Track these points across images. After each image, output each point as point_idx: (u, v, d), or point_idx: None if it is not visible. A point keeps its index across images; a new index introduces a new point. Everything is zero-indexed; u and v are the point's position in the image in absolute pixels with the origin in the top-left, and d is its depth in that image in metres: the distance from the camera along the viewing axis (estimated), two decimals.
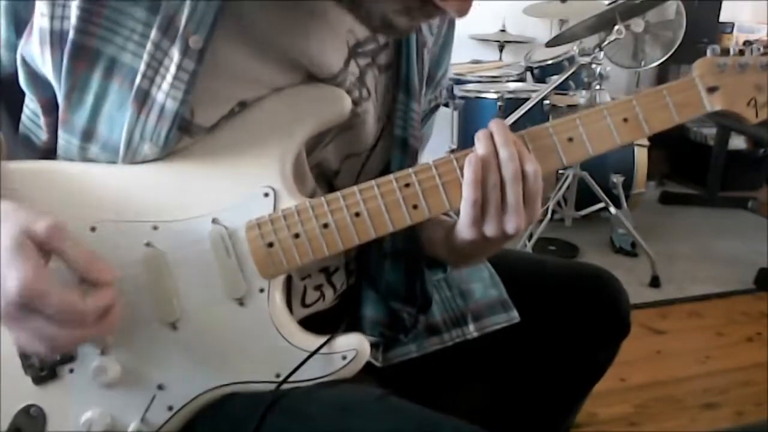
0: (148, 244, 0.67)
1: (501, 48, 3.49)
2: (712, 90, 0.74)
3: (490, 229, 0.68)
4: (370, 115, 0.78)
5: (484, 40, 3.46)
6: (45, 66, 0.67)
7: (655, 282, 2.42)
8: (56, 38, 0.65)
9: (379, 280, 0.84)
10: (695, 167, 3.54)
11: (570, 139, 0.71)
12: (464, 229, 0.70)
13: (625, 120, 0.71)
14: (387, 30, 0.67)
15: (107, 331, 0.61)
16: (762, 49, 0.76)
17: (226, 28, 0.65)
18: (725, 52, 0.76)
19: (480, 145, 0.68)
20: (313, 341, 0.69)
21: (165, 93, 0.64)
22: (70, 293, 0.56)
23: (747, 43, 0.81)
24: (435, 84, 0.89)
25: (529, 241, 2.49)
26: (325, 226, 0.67)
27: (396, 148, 0.79)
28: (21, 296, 0.54)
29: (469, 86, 2.81)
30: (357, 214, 0.68)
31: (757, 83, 0.75)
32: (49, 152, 0.71)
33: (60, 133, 0.69)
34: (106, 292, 0.59)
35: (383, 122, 0.81)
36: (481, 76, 2.99)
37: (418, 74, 0.79)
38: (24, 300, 0.54)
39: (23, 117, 0.72)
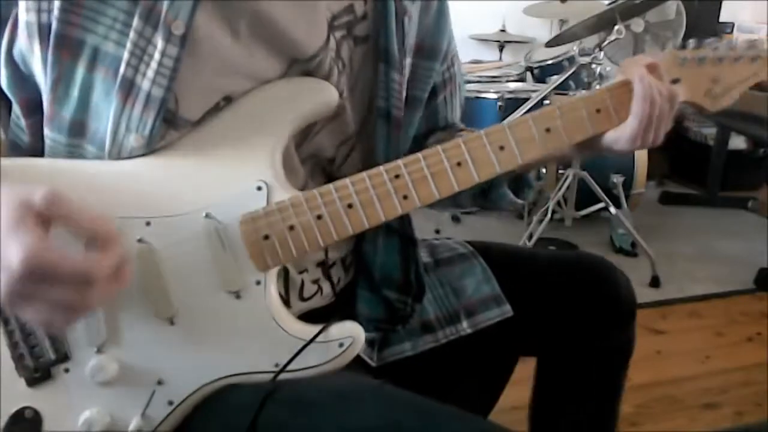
0: (141, 240, 0.67)
1: (501, 48, 3.50)
2: (674, 82, 0.81)
3: (644, 143, 0.78)
4: (345, 88, 0.77)
5: (484, 40, 3.46)
6: (34, 59, 0.67)
7: (655, 282, 2.41)
8: (45, 31, 0.65)
9: (373, 262, 0.83)
10: (695, 167, 3.53)
11: (548, 130, 0.75)
12: (625, 144, 0.78)
13: (598, 111, 0.77)
14: None
15: (122, 287, 0.59)
16: (716, 45, 0.82)
17: (207, 12, 0.66)
18: (682, 46, 0.82)
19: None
20: (309, 330, 0.69)
21: (150, 80, 0.64)
22: (79, 256, 0.55)
23: None
24: (443, 54, 0.88)
25: (529, 241, 2.48)
26: (319, 217, 0.68)
27: (380, 120, 0.79)
28: (27, 267, 0.52)
29: (469, 86, 2.80)
30: (350, 206, 0.69)
31: (713, 76, 0.82)
32: (35, 156, 0.70)
33: (46, 132, 0.69)
34: (115, 248, 0.57)
35: (365, 98, 0.80)
36: (481, 76, 2.99)
37: (398, 44, 0.79)
38: (30, 269, 0.52)
39: (11, 121, 0.72)
